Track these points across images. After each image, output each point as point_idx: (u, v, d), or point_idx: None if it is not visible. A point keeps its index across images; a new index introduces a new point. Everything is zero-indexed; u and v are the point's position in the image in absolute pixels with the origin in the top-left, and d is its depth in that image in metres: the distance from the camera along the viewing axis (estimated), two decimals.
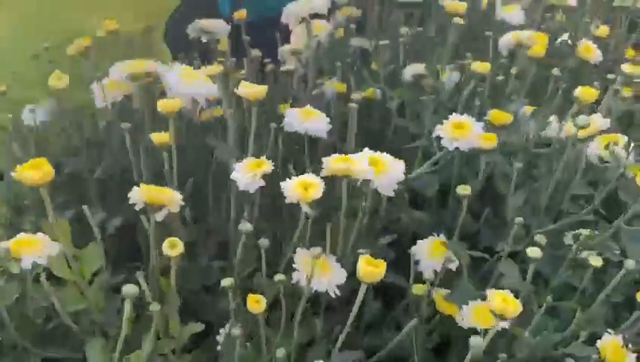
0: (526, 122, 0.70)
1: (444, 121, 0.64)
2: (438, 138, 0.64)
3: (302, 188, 0.50)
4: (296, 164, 0.66)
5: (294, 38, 0.92)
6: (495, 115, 0.67)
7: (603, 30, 0.88)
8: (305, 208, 0.50)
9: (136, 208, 0.51)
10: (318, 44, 0.84)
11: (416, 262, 0.60)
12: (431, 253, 0.60)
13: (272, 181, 0.56)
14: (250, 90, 0.58)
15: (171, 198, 0.52)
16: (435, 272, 0.59)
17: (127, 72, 0.69)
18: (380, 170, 0.53)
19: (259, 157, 0.58)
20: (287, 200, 0.51)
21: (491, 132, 0.66)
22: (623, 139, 0.67)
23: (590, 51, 0.78)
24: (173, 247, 0.49)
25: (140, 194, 0.51)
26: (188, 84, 0.66)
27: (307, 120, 0.63)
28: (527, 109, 0.73)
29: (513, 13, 0.85)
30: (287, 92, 0.83)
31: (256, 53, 0.87)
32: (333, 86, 0.80)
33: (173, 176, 0.60)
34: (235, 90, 0.59)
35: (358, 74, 0.83)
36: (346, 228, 0.55)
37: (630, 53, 0.92)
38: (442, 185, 0.70)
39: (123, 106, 0.73)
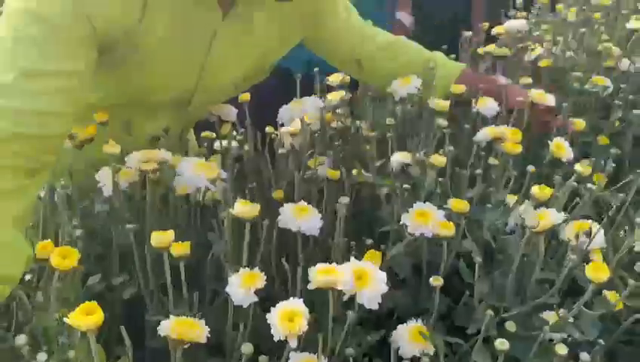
0: (491, 211, 0.77)
1: (409, 210, 0.73)
2: (405, 225, 0.72)
3: (287, 321, 0.53)
4: (289, 256, 0.74)
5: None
6: (455, 203, 0.75)
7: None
8: (292, 342, 0.54)
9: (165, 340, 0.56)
10: (310, 132, 0.93)
11: (397, 348, 0.67)
12: (411, 338, 0.67)
13: (267, 277, 0.64)
14: (245, 208, 0.65)
15: (200, 334, 0.57)
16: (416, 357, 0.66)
17: (142, 160, 0.78)
18: (364, 283, 0.59)
19: (254, 252, 0.66)
20: (274, 336, 0.54)
21: (454, 220, 0.74)
22: (594, 226, 0.75)
23: (561, 149, 0.86)
24: None
25: (169, 329, 0.55)
26: (196, 173, 0.76)
27: (300, 218, 0.71)
28: (509, 198, 0.81)
29: (487, 106, 0.93)
30: (282, 176, 0.92)
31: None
32: (325, 172, 0.88)
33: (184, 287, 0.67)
34: (231, 210, 0.66)
35: (349, 160, 0.92)
36: (335, 328, 0.61)
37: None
38: (416, 267, 0.78)
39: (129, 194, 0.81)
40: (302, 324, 0.53)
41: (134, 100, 0.89)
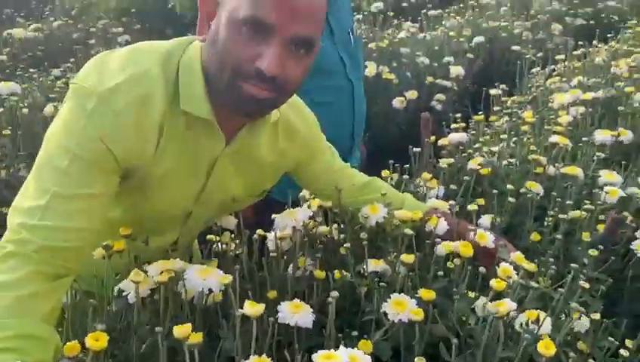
0: (458, 302, 0.93)
1: (388, 300, 0.88)
2: (385, 313, 0.87)
3: None
4: (288, 344, 0.85)
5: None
6: (423, 292, 0.90)
7: None
8: None
9: None
10: (298, 235, 1.08)
11: None
12: None
13: None
14: (252, 309, 0.78)
15: None
16: None
17: (159, 271, 0.90)
18: None
19: (260, 341, 0.77)
20: None
21: (423, 307, 0.88)
22: (541, 315, 0.91)
23: (508, 272, 1.04)
24: None
25: None
26: (201, 278, 0.88)
27: (296, 313, 0.84)
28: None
29: (440, 226, 1.13)
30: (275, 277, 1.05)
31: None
32: (316, 274, 1.02)
33: None
34: (240, 311, 0.79)
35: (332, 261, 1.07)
36: None
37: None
38: (395, 349, 0.91)
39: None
40: None
41: (146, 217, 1.02)
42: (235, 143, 1.01)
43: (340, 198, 1.21)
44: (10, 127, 1.76)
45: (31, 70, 2.58)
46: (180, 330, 0.77)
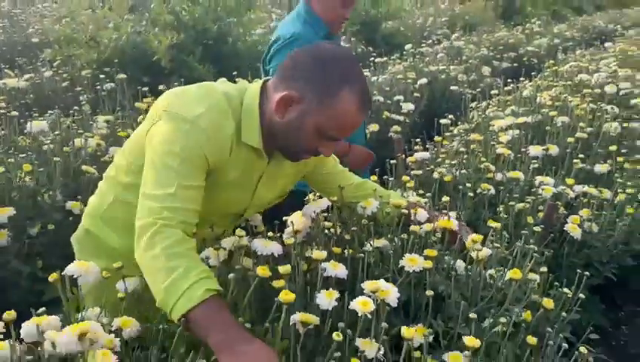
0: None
1: (404, 258, 1.22)
2: (402, 266, 1.21)
3: None
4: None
5: (296, 222, 1.49)
6: (428, 251, 1.25)
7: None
8: None
9: None
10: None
11: None
12: None
13: None
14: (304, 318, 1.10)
15: None
16: None
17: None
18: None
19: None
20: None
21: None
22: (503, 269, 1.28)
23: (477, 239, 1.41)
24: None
25: None
26: (264, 246, 1.21)
27: (335, 269, 1.17)
28: None
29: (421, 214, 1.49)
30: None
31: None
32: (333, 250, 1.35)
33: None
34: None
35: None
36: None
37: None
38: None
39: None
40: None
41: (214, 211, 1.33)
42: (273, 162, 1.37)
43: (342, 195, 1.55)
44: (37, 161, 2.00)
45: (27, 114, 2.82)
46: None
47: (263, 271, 1.11)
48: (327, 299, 1.12)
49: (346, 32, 6.16)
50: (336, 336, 1.04)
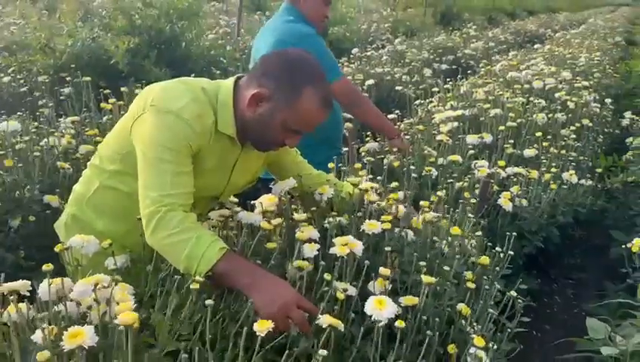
0: None
1: (363, 225, 1.43)
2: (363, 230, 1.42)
3: None
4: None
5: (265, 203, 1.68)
6: (385, 216, 1.47)
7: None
8: None
9: None
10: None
11: None
12: None
13: None
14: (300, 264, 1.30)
15: None
16: None
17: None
18: None
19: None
20: None
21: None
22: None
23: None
24: None
25: None
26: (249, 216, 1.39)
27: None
28: None
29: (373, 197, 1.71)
30: None
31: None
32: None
33: None
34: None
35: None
36: None
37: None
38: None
39: None
40: None
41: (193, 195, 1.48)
42: (246, 150, 1.54)
43: (301, 183, 1.75)
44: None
45: None
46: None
47: (265, 224, 1.32)
48: (309, 249, 1.33)
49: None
50: (327, 276, 1.26)
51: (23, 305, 1.12)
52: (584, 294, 3.04)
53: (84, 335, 0.87)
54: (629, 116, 4.23)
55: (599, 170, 2.99)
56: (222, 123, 1.44)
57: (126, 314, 0.94)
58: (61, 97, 3.14)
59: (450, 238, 1.58)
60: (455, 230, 1.50)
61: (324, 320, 1.16)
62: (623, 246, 2.30)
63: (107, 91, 2.94)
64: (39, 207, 1.97)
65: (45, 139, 2.26)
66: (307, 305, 1.24)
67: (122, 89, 2.87)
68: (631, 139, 3.81)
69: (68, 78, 3.10)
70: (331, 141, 2.36)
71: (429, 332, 1.26)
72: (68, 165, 2.15)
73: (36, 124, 2.46)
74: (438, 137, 2.43)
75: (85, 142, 2.37)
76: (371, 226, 1.46)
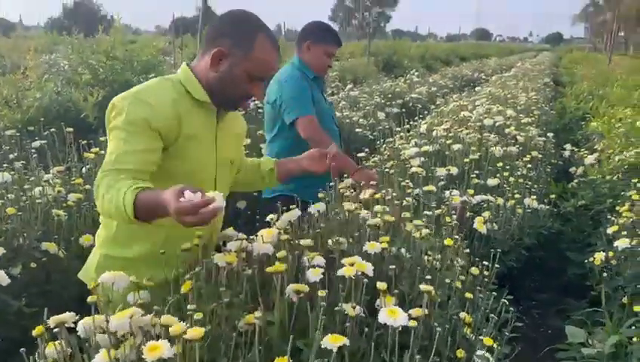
0: None
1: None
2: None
3: None
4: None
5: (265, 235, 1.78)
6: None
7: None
8: None
9: None
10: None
11: None
12: None
13: None
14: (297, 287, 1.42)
15: None
16: None
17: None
18: None
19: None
20: None
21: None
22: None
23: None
24: None
25: None
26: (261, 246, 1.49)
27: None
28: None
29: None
30: None
31: None
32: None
33: None
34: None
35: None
36: None
37: None
38: None
39: None
40: None
41: (190, 175, 1.57)
42: (222, 122, 1.66)
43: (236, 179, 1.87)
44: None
45: None
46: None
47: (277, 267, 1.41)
48: (313, 274, 1.43)
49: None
50: (321, 293, 1.33)
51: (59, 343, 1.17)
52: (548, 313, 3.25)
53: (162, 349, 0.95)
54: (569, 148, 4.62)
55: (552, 196, 3.26)
56: (193, 91, 1.57)
57: (193, 329, 1.02)
58: (32, 150, 3.15)
59: (439, 254, 1.73)
60: (449, 241, 1.65)
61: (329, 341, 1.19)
62: (586, 261, 2.53)
63: (84, 142, 2.99)
64: (38, 254, 1.99)
65: (38, 188, 2.28)
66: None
67: (102, 139, 2.92)
68: (574, 168, 4.18)
69: (51, 130, 3.11)
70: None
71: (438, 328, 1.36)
72: (63, 212, 2.18)
73: (18, 175, 2.47)
74: (413, 169, 2.62)
75: (73, 191, 2.41)
76: (371, 246, 1.59)
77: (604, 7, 41.00)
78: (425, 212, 2.28)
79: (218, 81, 1.56)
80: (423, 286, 1.42)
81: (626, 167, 3.40)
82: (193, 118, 1.56)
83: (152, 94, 1.51)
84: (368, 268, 1.45)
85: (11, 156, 3.26)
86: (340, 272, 1.41)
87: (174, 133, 1.52)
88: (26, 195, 2.19)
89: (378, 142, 4.12)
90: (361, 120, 5.31)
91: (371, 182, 2.49)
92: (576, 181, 3.81)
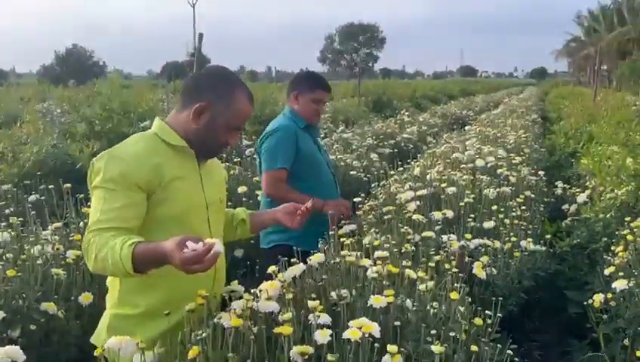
0: None
1: None
2: None
3: None
4: None
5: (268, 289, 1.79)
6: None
7: None
8: None
9: None
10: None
11: None
12: None
13: None
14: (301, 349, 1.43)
15: None
16: None
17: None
18: None
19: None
20: None
21: None
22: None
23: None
24: None
25: None
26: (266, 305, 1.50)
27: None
28: None
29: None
30: None
31: None
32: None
33: None
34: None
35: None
36: None
37: None
38: None
39: None
40: None
41: (184, 216, 1.63)
42: (204, 166, 1.73)
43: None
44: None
45: None
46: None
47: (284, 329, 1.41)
48: (321, 336, 1.43)
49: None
50: (331, 357, 1.35)
51: None
52: (551, 354, 3.23)
53: None
54: (561, 186, 4.68)
55: (548, 236, 3.29)
56: (167, 138, 1.66)
57: None
58: (29, 205, 3.15)
59: (443, 306, 1.74)
60: (454, 295, 1.66)
61: None
62: (585, 302, 2.54)
63: (81, 196, 3.00)
64: (37, 315, 1.97)
65: (37, 247, 2.28)
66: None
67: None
68: (567, 206, 4.22)
69: (48, 186, 3.13)
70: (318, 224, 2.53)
71: None
72: (62, 271, 2.17)
73: (14, 232, 2.47)
74: (414, 216, 2.65)
75: (72, 247, 2.41)
76: (377, 301, 1.60)
77: (587, 42, 42.17)
78: (423, 258, 2.30)
79: (200, 132, 1.66)
80: (434, 348, 1.43)
81: (618, 205, 3.44)
82: (173, 162, 1.65)
83: (126, 150, 1.61)
84: (375, 329, 1.45)
85: (7, 211, 3.27)
86: (346, 334, 1.42)
87: (156, 180, 1.59)
88: (25, 254, 2.18)
89: (372, 185, 4.16)
90: (354, 162, 5.37)
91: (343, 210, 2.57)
92: (569, 219, 3.84)
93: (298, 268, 1.74)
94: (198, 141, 1.67)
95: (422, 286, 1.71)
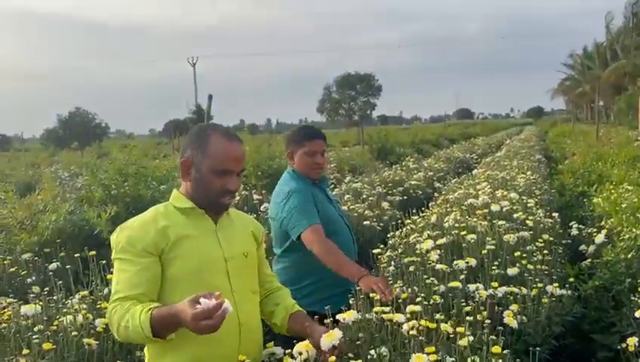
0: None
1: None
2: None
3: None
4: None
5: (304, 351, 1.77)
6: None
7: None
8: None
9: None
10: None
11: None
12: None
13: None
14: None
15: None
16: None
17: None
18: None
19: None
20: None
21: None
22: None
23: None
24: None
25: None
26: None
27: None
28: None
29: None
30: None
31: None
32: None
33: None
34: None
35: None
36: None
37: None
38: None
39: None
40: None
41: (193, 280, 1.66)
42: (220, 222, 1.79)
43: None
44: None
45: None
46: None
47: None
48: None
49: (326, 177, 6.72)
50: None
51: None
52: None
53: None
54: (576, 226, 4.67)
55: (571, 279, 3.27)
56: (179, 203, 1.75)
57: None
58: (50, 272, 3.15)
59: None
60: (496, 349, 1.65)
61: None
62: (617, 346, 2.50)
63: (103, 262, 3.00)
64: None
65: (69, 317, 2.28)
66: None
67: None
68: (584, 246, 4.21)
69: (69, 254, 3.14)
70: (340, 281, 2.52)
71: None
72: (94, 340, 2.16)
73: (41, 304, 2.47)
74: (437, 266, 2.65)
75: (100, 316, 2.40)
76: (419, 359, 1.59)
77: (581, 79, 42.88)
78: (453, 310, 2.29)
79: (195, 187, 1.73)
80: None
81: (639, 244, 3.43)
82: (183, 223, 1.72)
83: (135, 219, 1.72)
84: None
85: (29, 280, 3.27)
86: None
87: (163, 241, 1.66)
88: (57, 326, 2.18)
89: (388, 235, 4.16)
90: (367, 211, 5.38)
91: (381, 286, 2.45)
92: (589, 261, 3.82)
93: (335, 337, 1.72)
94: (199, 197, 1.73)
95: (462, 342, 1.70)
